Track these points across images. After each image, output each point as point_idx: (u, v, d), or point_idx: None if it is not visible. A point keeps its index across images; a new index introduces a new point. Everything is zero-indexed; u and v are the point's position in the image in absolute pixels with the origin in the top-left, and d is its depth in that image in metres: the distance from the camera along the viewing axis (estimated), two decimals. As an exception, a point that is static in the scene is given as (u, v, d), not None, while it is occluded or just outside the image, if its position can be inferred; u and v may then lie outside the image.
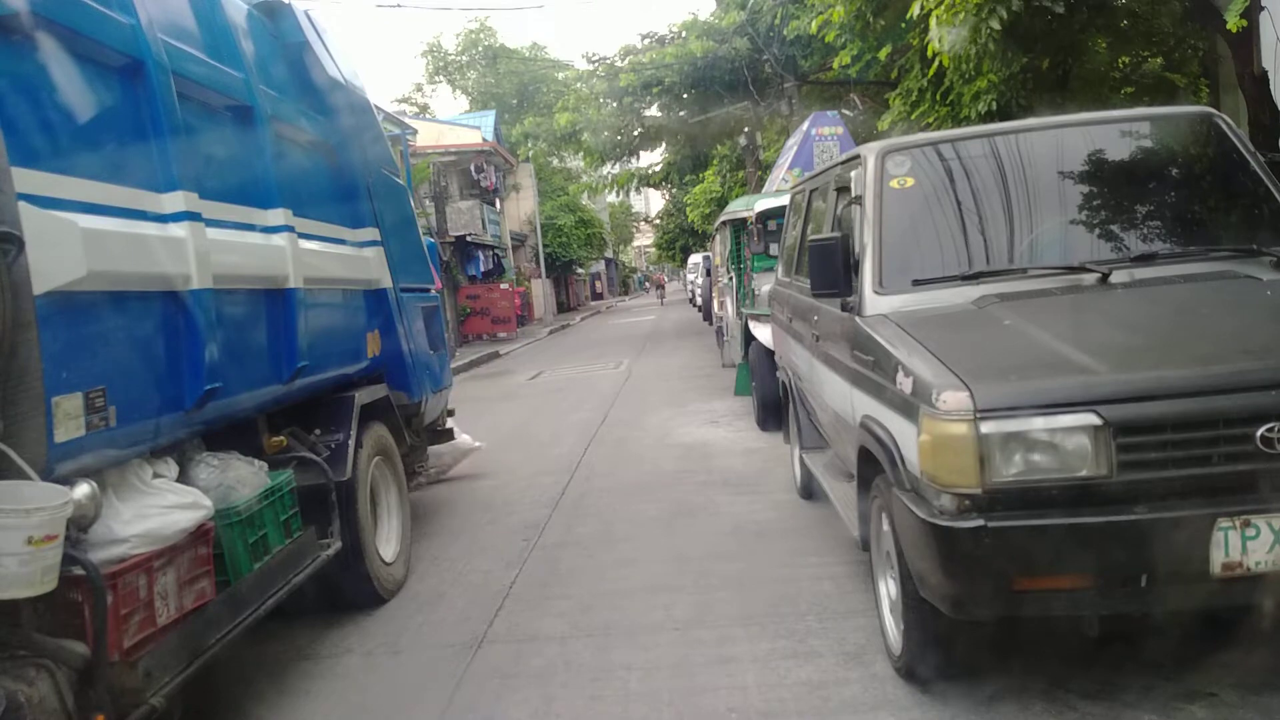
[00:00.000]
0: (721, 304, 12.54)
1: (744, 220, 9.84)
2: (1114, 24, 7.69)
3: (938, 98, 8.18)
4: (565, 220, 37.09)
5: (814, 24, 9.86)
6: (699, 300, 26.22)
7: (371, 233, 4.84)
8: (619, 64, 19.41)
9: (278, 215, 3.75)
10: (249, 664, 3.76)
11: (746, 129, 19.66)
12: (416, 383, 5.34)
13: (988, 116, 7.14)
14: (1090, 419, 2.35)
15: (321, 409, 4.26)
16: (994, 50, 6.44)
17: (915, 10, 6.52)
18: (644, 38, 19.95)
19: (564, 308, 40.67)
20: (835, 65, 9.77)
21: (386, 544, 4.60)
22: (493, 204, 29.67)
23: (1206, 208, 3.60)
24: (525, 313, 30.39)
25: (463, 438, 6.91)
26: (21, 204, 2.30)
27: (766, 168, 17.03)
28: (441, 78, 42.11)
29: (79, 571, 2.35)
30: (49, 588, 2.19)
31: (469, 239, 25.98)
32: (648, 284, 72.96)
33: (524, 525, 5.70)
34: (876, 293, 3.30)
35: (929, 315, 3.10)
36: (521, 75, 39.45)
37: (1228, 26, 4.90)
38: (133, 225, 2.81)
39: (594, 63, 20.50)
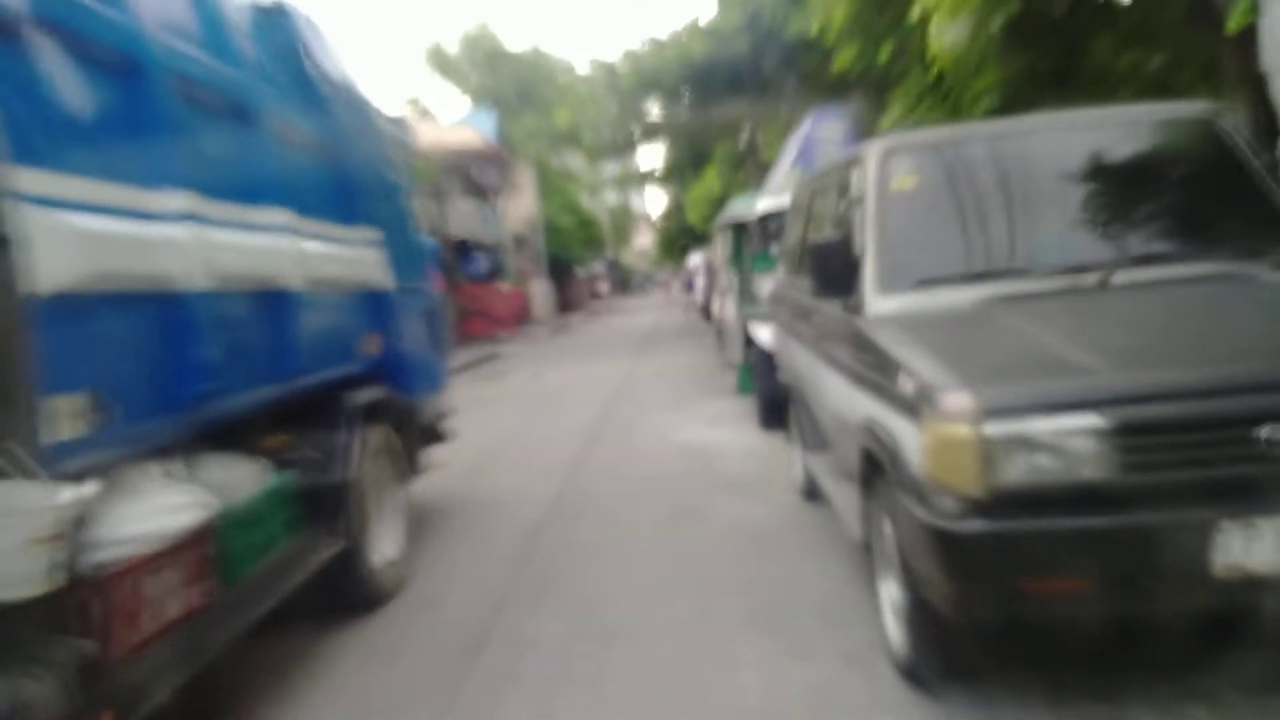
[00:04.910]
0: (722, 304, 12.53)
1: (745, 220, 9.83)
2: (1115, 24, 7.68)
3: (939, 98, 8.17)
4: (565, 220, 37.09)
5: (814, 25, 9.85)
6: (699, 299, 26.21)
7: (371, 233, 4.84)
8: (620, 67, 19.44)
9: (277, 215, 3.74)
10: (250, 664, 3.75)
11: (748, 126, 19.66)
12: (416, 383, 5.34)
13: (990, 116, 7.13)
14: (1094, 421, 2.35)
15: (322, 409, 4.24)
16: (995, 50, 6.44)
17: (916, 13, 6.52)
18: (645, 43, 19.98)
19: (564, 308, 40.66)
20: (836, 65, 9.75)
21: (387, 545, 4.60)
22: (493, 204, 29.67)
23: (1209, 208, 3.59)
24: (525, 313, 30.38)
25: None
26: (21, 204, 2.30)
27: (767, 168, 17.02)
28: (442, 75, 42.19)
29: (81, 571, 2.34)
30: (52, 587, 2.19)
31: (469, 239, 25.98)
32: (648, 284, 72.91)
33: (524, 526, 5.70)
34: (878, 293, 3.29)
35: (931, 316, 3.10)
36: (522, 76, 39.52)
37: (1227, 29, 4.89)
38: (131, 225, 2.80)
39: (595, 66, 20.54)
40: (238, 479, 3.31)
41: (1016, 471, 2.39)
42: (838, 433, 4.01)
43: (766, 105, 18.45)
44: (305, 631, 4.13)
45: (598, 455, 7.88)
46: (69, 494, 2.29)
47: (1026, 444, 2.38)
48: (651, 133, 21.45)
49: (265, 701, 3.53)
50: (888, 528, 3.02)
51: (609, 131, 20.58)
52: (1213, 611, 2.69)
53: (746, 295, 9.52)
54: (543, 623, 4.05)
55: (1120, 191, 3.55)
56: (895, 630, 3.09)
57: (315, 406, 4.22)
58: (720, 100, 18.51)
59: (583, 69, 22.01)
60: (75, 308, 2.50)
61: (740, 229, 10.12)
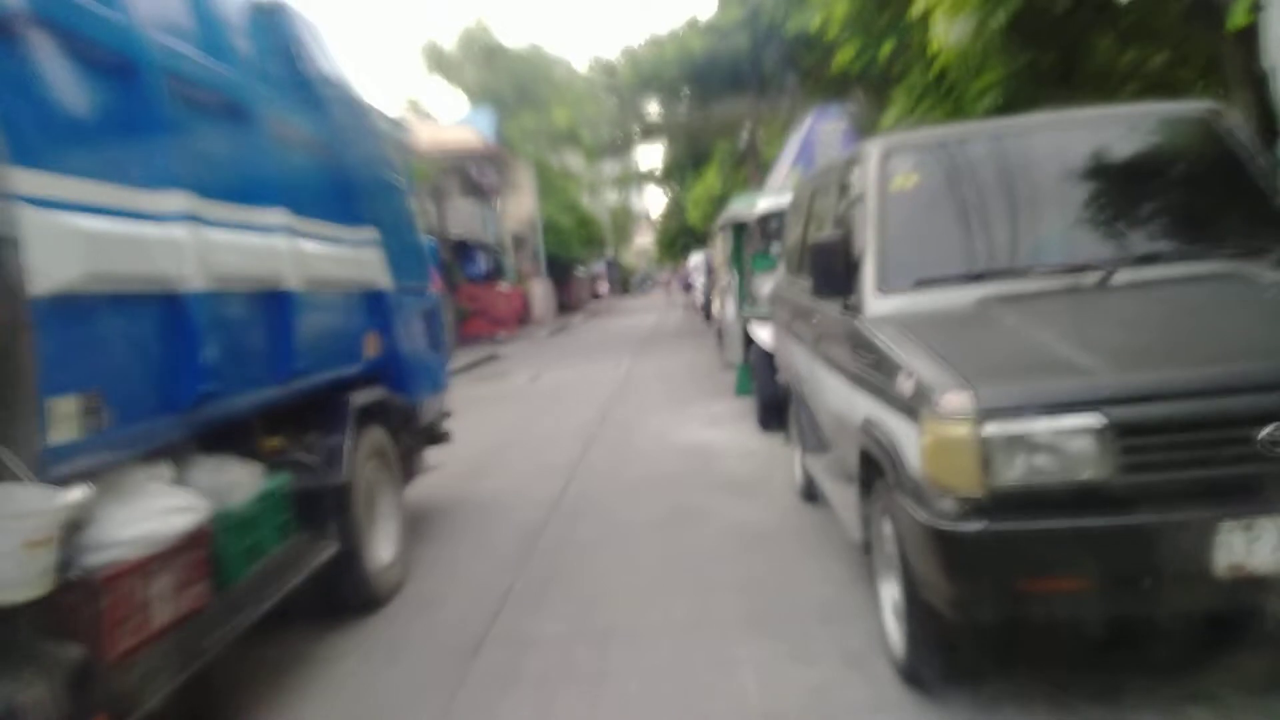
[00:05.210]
0: (722, 304, 12.52)
1: (745, 220, 9.81)
2: (1117, 22, 7.66)
3: (941, 94, 8.15)
4: (565, 220, 37.07)
5: (815, 21, 9.83)
6: (698, 300, 26.22)
7: (369, 233, 4.83)
8: (619, 65, 19.47)
9: (275, 215, 3.73)
10: (246, 668, 3.74)
11: (749, 124, 19.66)
12: (414, 384, 5.32)
13: (992, 114, 7.11)
14: (1093, 421, 2.34)
15: (319, 411, 4.23)
16: (997, 47, 6.43)
17: (919, 8, 6.50)
18: (644, 41, 20.01)
19: (564, 308, 40.65)
20: (837, 62, 9.74)
21: (384, 546, 4.59)
22: (492, 204, 29.67)
23: (1210, 207, 3.58)
24: (525, 313, 30.36)
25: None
26: (18, 205, 2.29)
27: (768, 167, 17.02)
28: (439, 73, 42.21)
29: (74, 575, 2.34)
30: (44, 591, 2.18)
31: (468, 239, 25.97)
32: (648, 284, 72.92)
33: (523, 527, 5.68)
34: (878, 293, 3.28)
35: (931, 316, 3.09)
36: (520, 73, 39.51)
37: (1227, 27, 4.87)
38: (129, 226, 2.79)
39: (594, 67, 20.59)
40: (234, 481, 3.30)
41: (1015, 472, 2.38)
42: (837, 433, 4.00)
43: (767, 103, 18.45)
44: (304, 632, 4.12)
45: (598, 456, 7.87)
46: (64, 497, 2.28)
47: (1025, 444, 2.37)
48: (651, 132, 21.45)
49: (264, 702, 3.52)
50: (887, 528, 3.00)
51: (608, 130, 20.61)
52: (1214, 612, 2.68)
53: (746, 295, 9.50)
54: (542, 623, 4.03)
55: (1120, 191, 3.54)
56: (895, 631, 3.08)
57: (314, 408, 4.21)
58: (720, 98, 18.50)
59: (581, 67, 22.13)
60: (73, 309, 2.49)
61: (740, 228, 10.10)
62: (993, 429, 2.37)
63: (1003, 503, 2.38)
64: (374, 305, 4.87)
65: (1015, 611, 2.56)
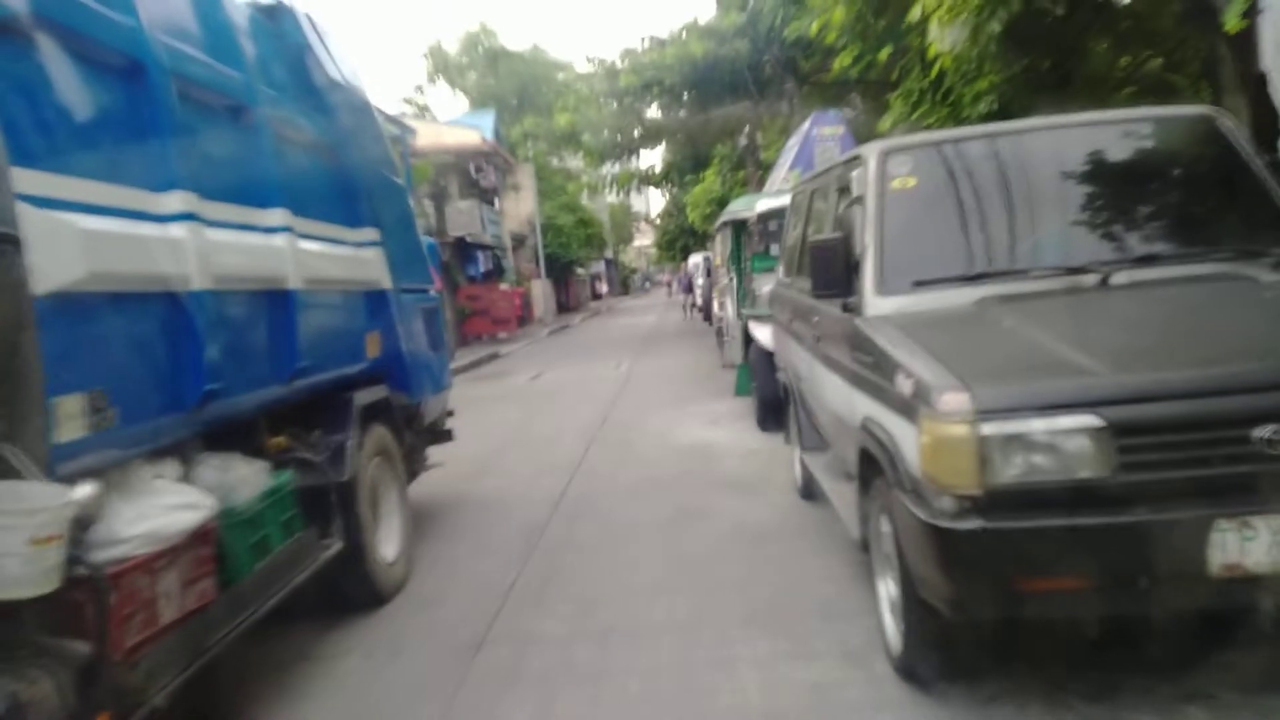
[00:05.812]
0: (721, 304, 12.55)
1: (744, 220, 9.84)
2: (1114, 25, 7.69)
3: (938, 98, 8.18)
4: (565, 220, 37.09)
5: (814, 26, 9.86)
6: (699, 300, 26.23)
7: (371, 233, 4.84)
8: (619, 65, 19.47)
9: (277, 216, 3.75)
10: (250, 664, 3.76)
11: (747, 128, 19.66)
12: (416, 383, 5.34)
13: (989, 117, 7.14)
14: (1090, 420, 2.36)
15: (322, 409, 4.25)
16: (994, 51, 6.45)
17: (916, 13, 6.53)
18: (644, 40, 20.00)
19: (564, 308, 40.64)
20: (835, 66, 9.77)
21: (387, 544, 4.61)
22: (492, 204, 29.67)
23: (1208, 209, 3.60)
24: (525, 313, 30.37)
25: None
26: (21, 204, 2.30)
27: (767, 168, 17.02)
28: (440, 76, 42.28)
29: (81, 572, 2.34)
30: (51, 588, 2.19)
31: (469, 239, 25.98)
32: (648, 284, 72.97)
33: (525, 526, 5.70)
34: (877, 294, 3.30)
35: (930, 316, 3.11)
36: (521, 76, 39.59)
37: (1225, 29, 4.90)
38: (132, 226, 2.81)
39: (594, 63, 20.57)
40: (238, 479, 3.32)
41: (1013, 471, 2.40)
42: (836, 432, 4.02)
43: (766, 105, 18.45)
44: (305, 631, 4.14)
45: (598, 455, 7.88)
46: (70, 494, 2.30)
47: (1023, 443, 2.39)
48: (652, 135, 21.42)
49: (266, 699, 3.54)
50: (885, 526, 3.03)
51: (609, 133, 20.62)
52: (1209, 610, 2.70)
53: (746, 295, 9.53)
54: (543, 622, 4.05)
55: (1119, 192, 3.56)
56: (894, 629, 3.10)
57: (317, 406, 4.23)
58: (720, 102, 18.51)
59: (582, 68, 22.12)
60: (77, 308, 2.51)
61: (740, 229, 10.13)
62: (991, 428, 2.39)
63: (1000, 501, 2.40)
64: (376, 305, 4.89)
65: (1012, 610, 2.58)
